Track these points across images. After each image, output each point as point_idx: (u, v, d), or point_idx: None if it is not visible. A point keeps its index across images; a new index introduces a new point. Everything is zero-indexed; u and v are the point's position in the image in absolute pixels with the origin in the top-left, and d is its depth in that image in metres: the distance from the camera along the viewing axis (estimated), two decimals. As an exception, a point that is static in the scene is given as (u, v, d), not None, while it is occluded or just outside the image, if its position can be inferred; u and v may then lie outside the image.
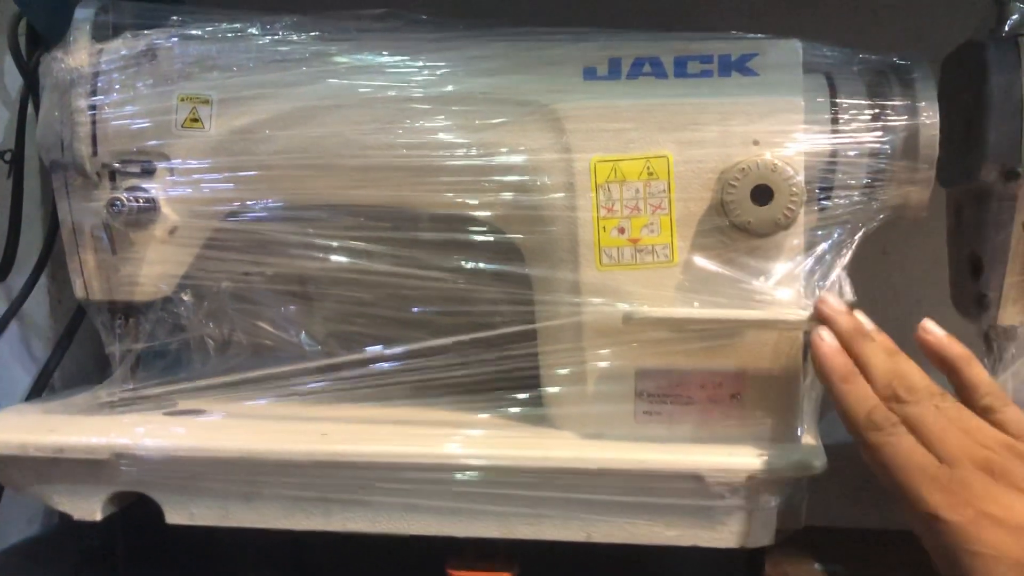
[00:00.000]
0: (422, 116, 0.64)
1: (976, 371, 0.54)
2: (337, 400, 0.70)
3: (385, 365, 0.69)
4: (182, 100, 0.66)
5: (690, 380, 0.62)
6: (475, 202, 0.65)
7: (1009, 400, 0.53)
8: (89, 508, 0.65)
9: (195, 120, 0.67)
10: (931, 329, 0.56)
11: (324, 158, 0.66)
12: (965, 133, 0.64)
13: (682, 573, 0.67)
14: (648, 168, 0.62)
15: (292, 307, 0.79)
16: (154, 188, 0.67)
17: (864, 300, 0.61)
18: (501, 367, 0.67)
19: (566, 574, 0.66)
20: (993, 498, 0.49)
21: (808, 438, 0.62)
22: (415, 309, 0.71)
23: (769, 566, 0.71)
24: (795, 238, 0.61)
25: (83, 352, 0.84)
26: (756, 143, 0.61)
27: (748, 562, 0.67)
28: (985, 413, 0.53)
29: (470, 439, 0.64)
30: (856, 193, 0.61)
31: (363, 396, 0.70)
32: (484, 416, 0.68)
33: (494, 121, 0.64)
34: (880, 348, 0.55)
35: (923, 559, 0.72)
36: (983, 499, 0.49)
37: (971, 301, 0.65)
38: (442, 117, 0.64)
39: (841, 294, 0.61)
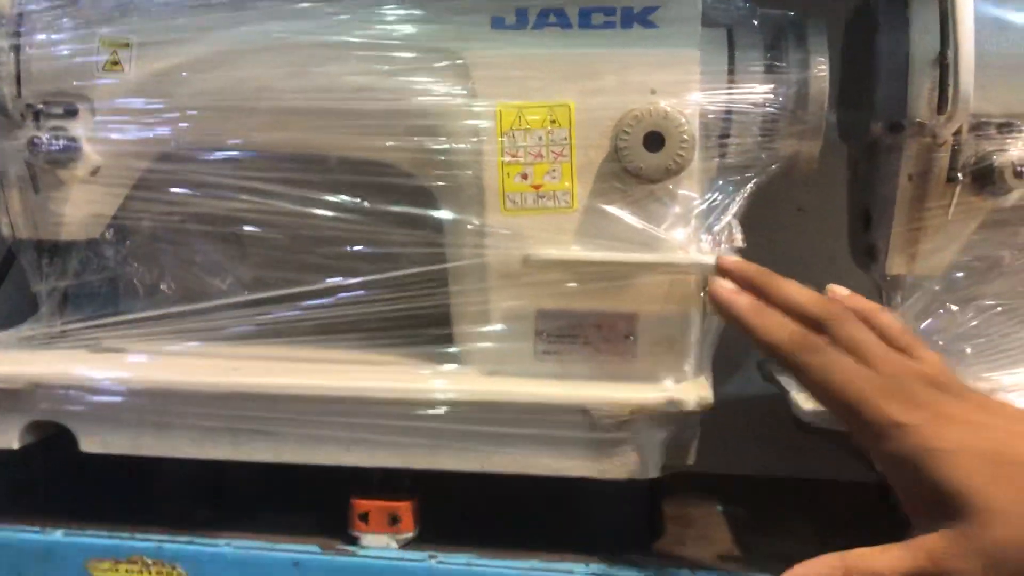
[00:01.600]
0: (334, 61, 0.67)
1: (886, 319, 0.55)
2: (255, 340, 0.73)
3: (305, 304, 0.72)
4: (103, 43, 0.68)
5: (587, 321, 0.65)
6: (386, 146, 0.67)
7: (925, 344, 0.55)
8: (6, 437, 0.67)
9: (115, 63, 0.68)
10: (836, 290, 0.58)
11: (240, 101, 0.68)
12: (860, 90, 0.66)
13: (580, 509, 0.69)
14: (551, 116, 0.64)
15: (220, 251, 0.82)
16: (77, 129, 0.69)
17: (780, 257, 0.63)
18: (412, 306, 0.69)
19: (467, 505, 0.69)
20: (943, 402, 0.50)
21: (696, 378, 0.65)
22: (330, 251, 0.74)
23: (670, 507, 0.75)
24: (689, 185, 0.63)
25: (18, 292, 0.86)
26: (653, 92, 0.63)
27: (648, 501, 0.70)
28: None
29: (373, 373, 0.67)
30: (750, 143, 0.64)
31: (282, 336, 0.73)
32: (393, 354, 0.70)
33: (404, 67, 0.66)
34: (793, 282, 0.56)
35: (819, 506, 0.76)
36: (935, 403, 0.50)
37: (863, 252, 0.68)
38: (354, 62, 0.67)
39: (732, 240, 0.64)
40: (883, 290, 0.67)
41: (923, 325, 0.65)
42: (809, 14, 0.67)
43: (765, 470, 0.80)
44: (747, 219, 0.67)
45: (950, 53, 0.59)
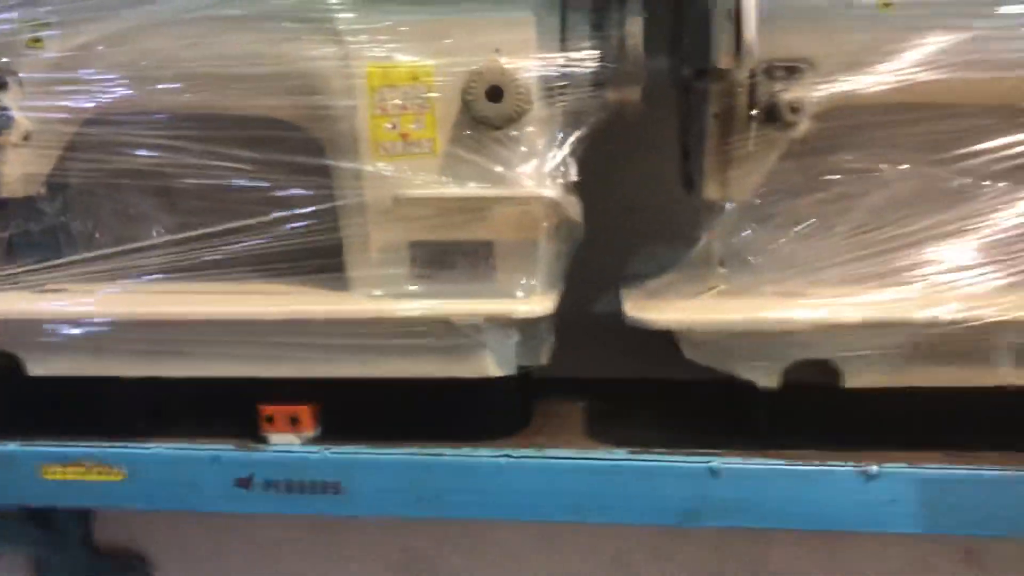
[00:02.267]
0: (228, 32, 0.77)
1: None
2: (179, 277, 0.84)
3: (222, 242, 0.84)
4: (24, 24, 0.78)
5: (452, 249, 0.77)
6: (275, 104, 0.78)
7: None
8: (-38, 366, 0.79)
9: (37, 41, 0.79)
10: None
11: (149, 70, 0.79)
12: (678, 40, 0.78)
13: (461, 406, 0.82)
14: (413, 74, 0.75)
15: (148, 202, 0.92)
16: (7, 100, 0.80)
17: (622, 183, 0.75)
18: (309, 241, 0.81)
19: (366, 407, 0.80)
20: None
21: (544, 292, 0.77)
22: (240, 198, 0.85)
23: (542, 405, 0.87)
24: (531, 130, 0.74)
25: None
26: (497, 51, 0.74)
27: (516, 398, 0.83)
28: None
29: (276, 299, 0.78)
30: (582, 93, 0.75)
31: (203, 273, 0.85)
32: (297, 283, 0.82)
33: (288, 36, 0.76)
34: None
35: (662, 401, 0.88)
36: None
37: (685, 180, 0.80)
38: (245, 33, 0.77)
39: (567, 176, 0.75)
40: (702, 211, 0.79)
41: (733, 240, 0.77)
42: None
43: (621, 372, 0.93)
44: (601, 154, 0.79)
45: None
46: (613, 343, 0.92)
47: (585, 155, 0.80)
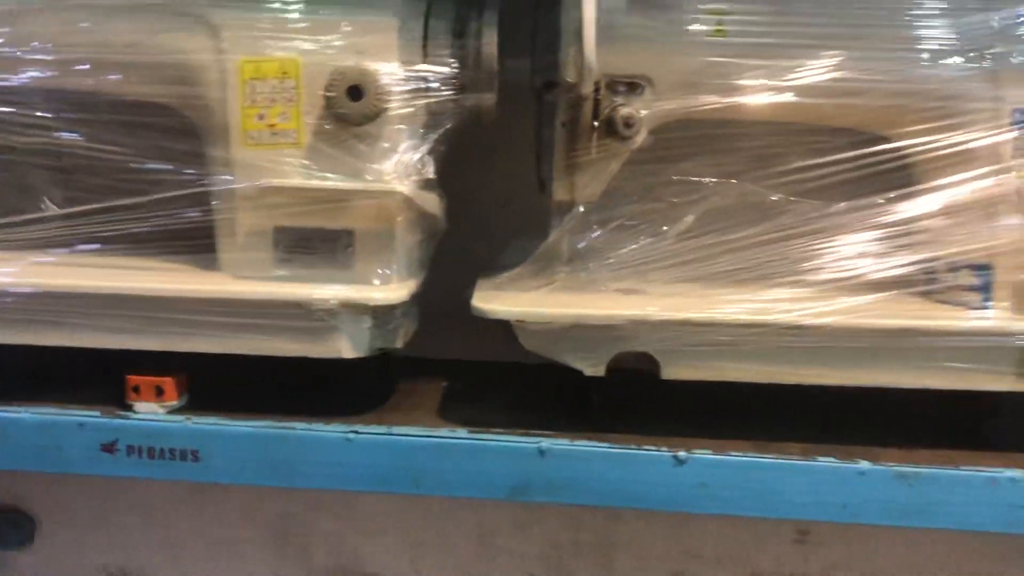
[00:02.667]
0: (110, 20, 0.81)
1: None
2: (65, 250, 0.88)
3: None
4: (-92, 1, 0.81)
5: (315, 236, 0.82)
6: (154, 91, 0.82)
7: None
8: None
9: (-79, 17, 0.82)
10: None
11: (35, 53, 0.82)
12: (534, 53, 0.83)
13: (320, 383, 0.87)
14: (282, 69, 0.80)
15: (41, 177, 0.96)
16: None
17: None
18: (180, 222, 0.85)
19: (231, 381, 0.85)
20: None
21: (402, 280, 0.82)
22: (123, 178, 0.89)
23: (405, 384, 0.93)
24: (390, 128, 0.80)
25: None
26: (360, 52, 0.79)
27: (377, 376, 0.89)
28: None
29: (149, 276, 0.83)
30: (439, 96, 0.80)
31: (85, 248, 0.88)
32: (171, 261, 0.87)
33: (166, 27, 0.81)
34: None
35: (517, 385, 0.94)
36: None
37: (540, 183, 0.86)
38: (126, 23, 0.81)
39: (424, 173, 0.81)
40: (552, 211, 0.85)
41: (580, 244, 0.83)
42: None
43: (483, 355, 0.99)
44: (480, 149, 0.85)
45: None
46: (478, 328, 0.99)
47: (463, 150, 0.87)
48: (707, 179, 0.79)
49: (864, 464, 0.77)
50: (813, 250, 0.81)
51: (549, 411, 0.86)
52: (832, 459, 0.77)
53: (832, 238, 0.81)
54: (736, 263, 0.81)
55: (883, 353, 0.78)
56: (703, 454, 0.77)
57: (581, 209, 0.82)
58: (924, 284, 0.81)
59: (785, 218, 0.79)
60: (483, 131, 0.88)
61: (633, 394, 0.83)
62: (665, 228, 0.82)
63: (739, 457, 0.78)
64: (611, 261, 0.84)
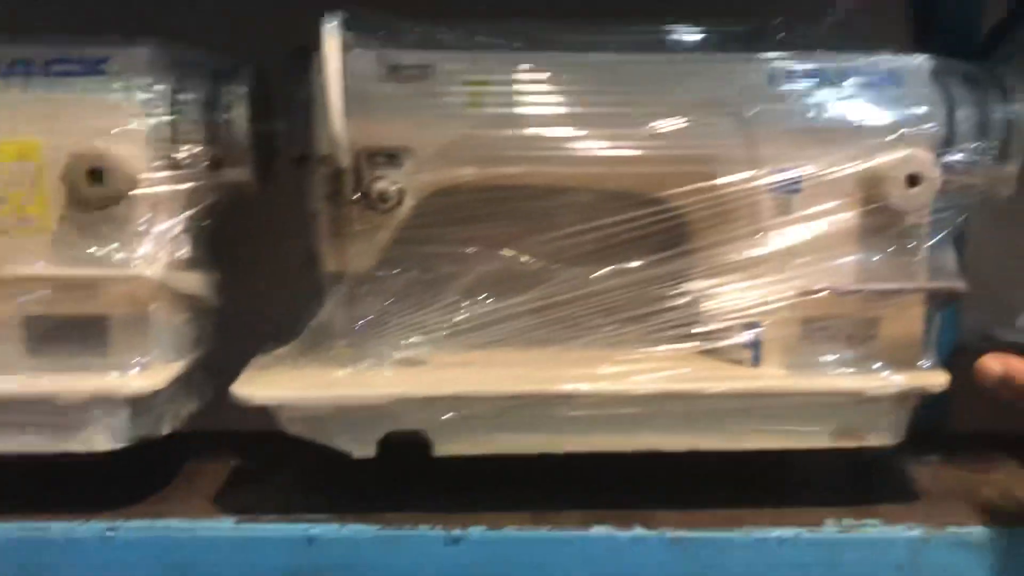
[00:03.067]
0: None
1: None
2: None
3: None
4: None
5: (66, 325, 0.78)
6: None
7: None
8: None
9: None
10: None
11: None
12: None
13: (81, 478, 0.82)
14: (20, 152, 0.76)
15: None
16: None
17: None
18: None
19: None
20: None
21: (162, 364, 0.79)
22: None
23: (193, 465, 0.89)
24: (138, 209, 0.76)
25: None
26: (101, 133, 0.75)
27: (161, 462, 0.85)
28: None
29: None
30: (190, 174, 0.77)
31: None
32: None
33: None
34: None
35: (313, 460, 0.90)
36: None
37: (310, 255, 0.83)
38: None
39: (179, 254, 0.78)
40: (326, 284, 0.82)
41: (356, 315, 0.81)
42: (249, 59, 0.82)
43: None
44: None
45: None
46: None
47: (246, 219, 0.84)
48: (470, 248, 0.78)
49: (639, 531, 0.76)
50: (585, 315, 0.81)
51: (335, 490, 0.84)
52: (607, 527, 0.77)
53: (604, 301, 0.81)
54: (509, 331, 0.80)
55: (658, 417, 0.78)
56: (477, 531, 0.76)
57: (349, 281, 0.81)
58: (702, 343, 0.82)
59: (555, 284, 0.79)
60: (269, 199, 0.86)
61: (410, 472, 0.81)
62: (437, 297, 0.81)
63: (514, 532, 0.76)
64: (388, 333, 0.82)
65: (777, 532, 0.76)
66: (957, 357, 1.01)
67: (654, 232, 0.80)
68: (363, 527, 0.76)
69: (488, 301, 0.80)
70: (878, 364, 0.80)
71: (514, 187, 0.80)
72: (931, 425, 1.01)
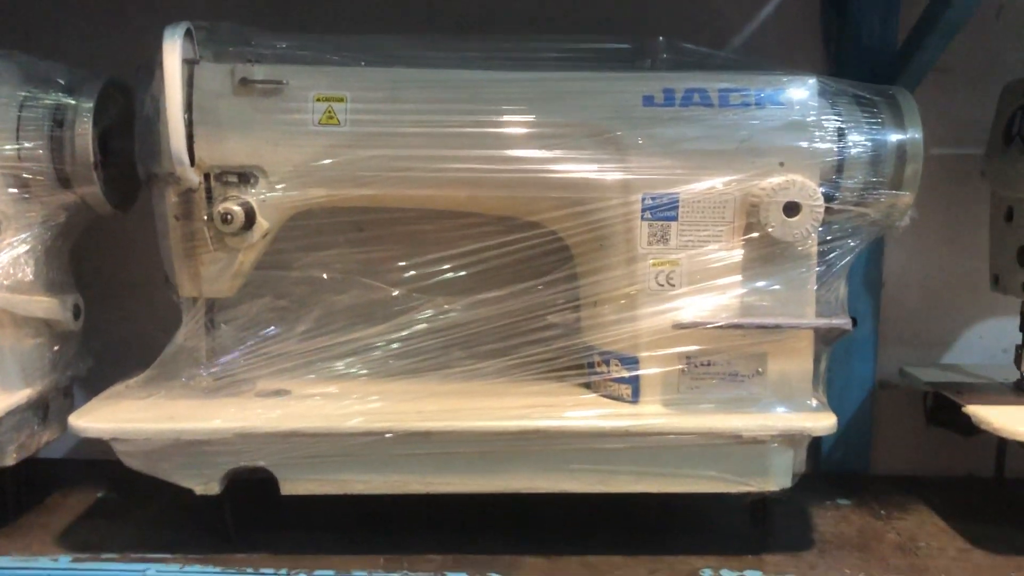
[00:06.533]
0: None
1: None
2: None
3: None
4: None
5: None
6: None
7: None
8: None
9: None
10: None
11: None
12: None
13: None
14: None
15: None
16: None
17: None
18: None
19: None
20: None
21: None
22: None
23: (58, 495, 0.86)
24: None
25: None
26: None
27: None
28: None
29: None
30: (36, 194, 0.74)
31: None
32: None
33: None
34: None
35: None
36: None
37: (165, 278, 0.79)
38: None
39: (22, 275, 0.74)
40: (183, 309, 0.78)
41: (215, 342, 0.77)
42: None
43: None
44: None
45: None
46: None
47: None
48: (331, 275, 0.74)
49: (494, 581, 0.72)
50: (453, 345, 0.76)
51: (182, 528, 0.78)
52: (462, 575, 0.72)
53: (474, 331, 0.76)
54: (371, 362, 0.76)
55: (523, 456, 0.73)
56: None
57: (204, 306, 0.76)
58: (578, 377, 0.77)
59: (421, 313, 0.75)
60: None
61: (258, 511, 0.77)
62: (297, 326, 0.76)
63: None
64: (247, 363, 0.78)
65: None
66: (876, 395, 0.97)
67: (527, 259, 0.76)
68: (203, 568, 0.71)
69: (351, 330, 0.76)
70: (764, 403, 0.75)
71: (378, 209, 0.77)
72: (849, 467, 0.97)
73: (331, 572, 0.71)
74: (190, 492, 0.75)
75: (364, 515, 0.76)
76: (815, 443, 0.92)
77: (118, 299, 0.90)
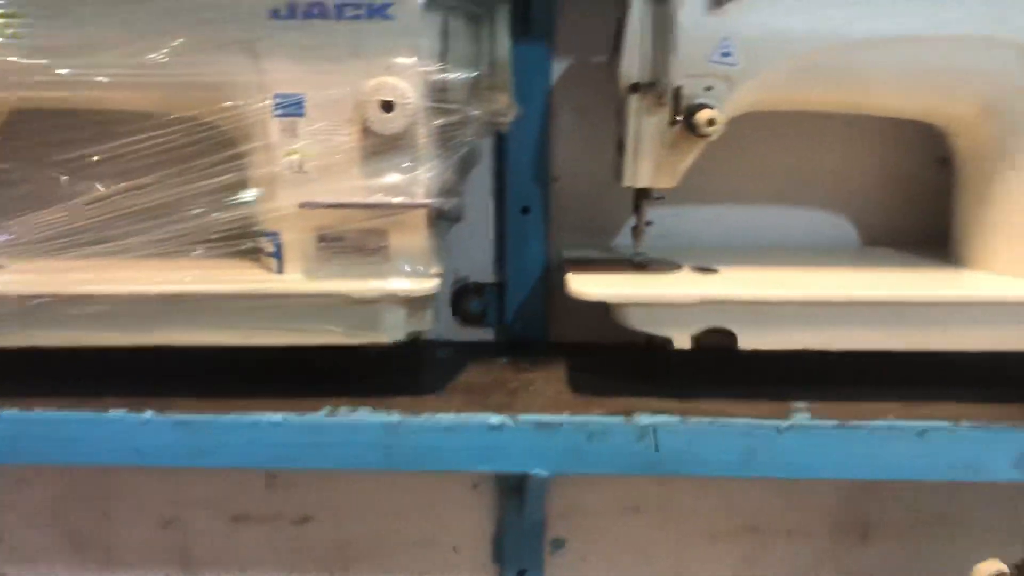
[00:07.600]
0: None
1: None
2: None
3: None
4: None
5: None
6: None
7: None
8: None
9: None
10: None
11: None
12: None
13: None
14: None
15: None
16: None
17: None
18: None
19: None
20: None
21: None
22: None
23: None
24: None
25: None
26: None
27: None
28: None
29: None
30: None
31: None
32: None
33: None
34: None
35: None
36: None
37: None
38: None
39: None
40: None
41: None
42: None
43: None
44: None
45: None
46: None
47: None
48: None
49: (149, 414, 0.87)
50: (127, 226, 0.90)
51: None
52: (123, 411, 0.87)
53: (141, 213, 0.90)
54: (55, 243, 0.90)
55: (180, 315, 0.88)
56: (9, 413, 0.86)
57: None
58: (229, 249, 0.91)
59: (95, 198, 0.89)
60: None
61: None
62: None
63: (42, 413, 0.87)
64: None
65: (269, 416, 0.87)
66: (550, 274, 1.11)
67: (181, 147, 0.89)
68: None
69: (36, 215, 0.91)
70: (386, 271, 0.90)
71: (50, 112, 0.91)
72: (529, 335, 1.12)
73: (15, 410, 0.87)
74: None
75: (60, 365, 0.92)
76: (500, 316, 1.08)
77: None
